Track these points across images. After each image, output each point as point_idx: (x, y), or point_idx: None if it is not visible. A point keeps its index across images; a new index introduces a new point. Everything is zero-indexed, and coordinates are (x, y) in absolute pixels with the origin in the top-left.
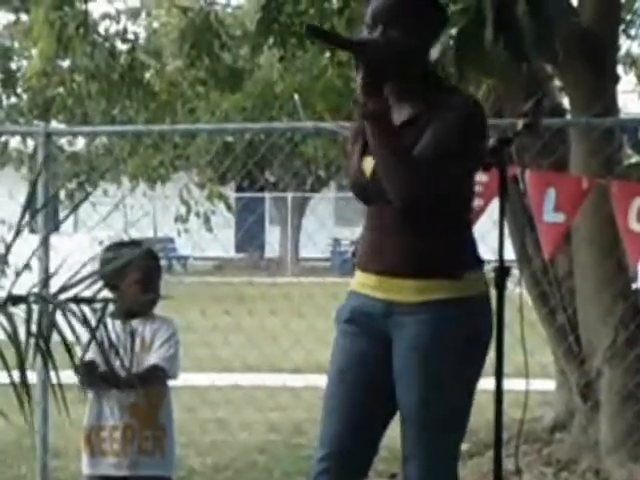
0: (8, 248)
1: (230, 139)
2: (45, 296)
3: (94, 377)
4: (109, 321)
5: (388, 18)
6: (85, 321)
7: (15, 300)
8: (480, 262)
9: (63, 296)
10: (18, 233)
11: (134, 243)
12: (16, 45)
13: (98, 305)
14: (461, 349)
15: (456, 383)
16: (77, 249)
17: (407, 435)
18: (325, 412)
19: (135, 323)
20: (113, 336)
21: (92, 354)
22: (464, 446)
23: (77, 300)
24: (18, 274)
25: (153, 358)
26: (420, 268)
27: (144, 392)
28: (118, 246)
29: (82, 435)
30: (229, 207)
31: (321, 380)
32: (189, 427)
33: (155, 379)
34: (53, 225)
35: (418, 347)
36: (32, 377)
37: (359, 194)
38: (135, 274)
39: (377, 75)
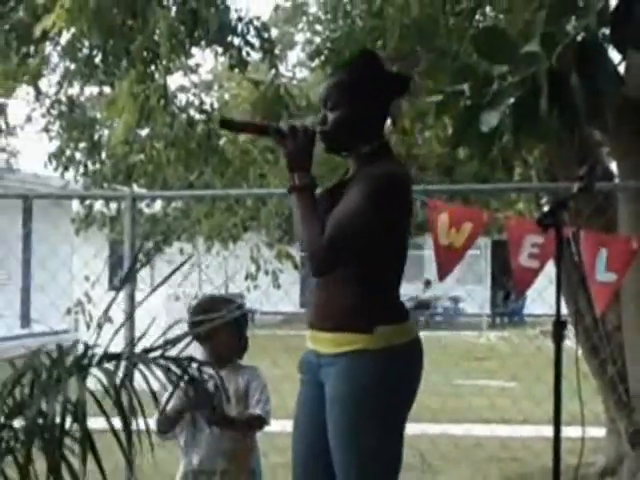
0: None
1: None
2: (136, 354)
3: (175, 425)
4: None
5: (328, 101)
6: (171, 377)
7: (109, 358)
8: (397, 316)
9: (152, 354)
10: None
11: (221, 298)
12: (98, 115)
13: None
14: (368, 398)
15: (363, 430)
16: (155, 304)
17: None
18: (292, 457)
19: (225, 372)
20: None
21: (178, 401)
22: None
23: (165, 358)
24: (100, 326)
25: (257, 409)
26: (334, 323)
27: (239, 438)
28: (208, 301)
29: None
30: (296, 266)
31: None
32: (262, 471)
33: (256, 428)
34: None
35: (334, 397)
36: (117, 423)
37: None
38: (230, 327)
39: (294, 158)
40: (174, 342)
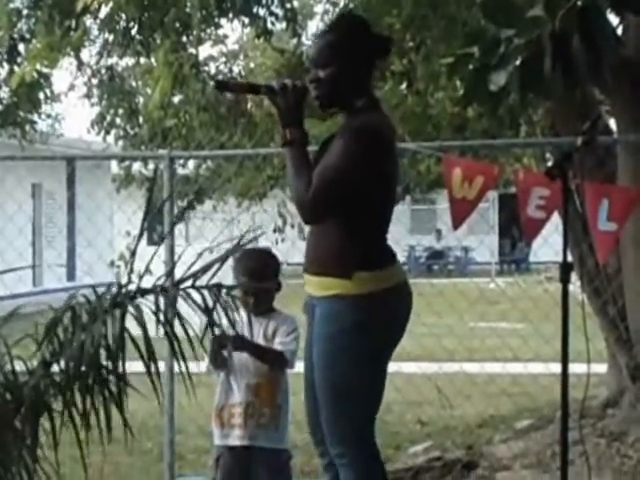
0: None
1: None
2: (167, 286)
3: (222, 355)
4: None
5: (319, 60)
6: (205, 306)
7: (143, 292)
8: (378, 263)
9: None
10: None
11: (262, 250)
12: (133, 84)
13: (217, 292)
14: (344, 338)
15: (335, 364)
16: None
17: None
18: None
19: (261, 318)
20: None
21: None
22: (529, 421)
23: (194, 287)
24: (141, 276)
25: (279, 346)
26: (318, 267)
27: (266, 375)
28: (251, 252)
29: (213, 412)
30: None
31: (407, 367)
32: (293, 408)
33: (277, 363)
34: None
35: (315, 337)
36: (160, 365)
37: None
38: (272, 277)
39: (285, 114)
40: (205, 270)
